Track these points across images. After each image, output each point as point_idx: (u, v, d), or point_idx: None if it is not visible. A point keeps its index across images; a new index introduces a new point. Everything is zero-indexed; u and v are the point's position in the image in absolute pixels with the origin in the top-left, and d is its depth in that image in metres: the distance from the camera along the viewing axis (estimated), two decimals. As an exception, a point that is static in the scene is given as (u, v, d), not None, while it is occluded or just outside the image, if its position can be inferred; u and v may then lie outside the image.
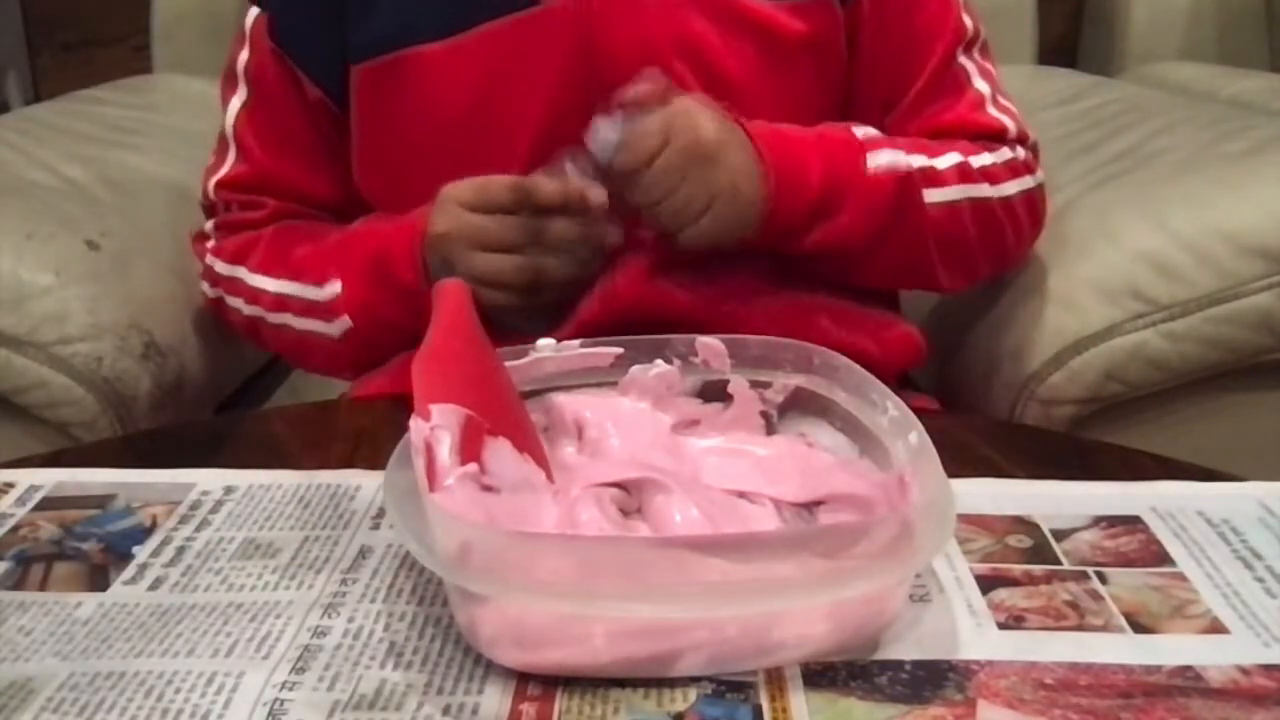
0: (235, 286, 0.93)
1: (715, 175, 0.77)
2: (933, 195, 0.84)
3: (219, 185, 0.96)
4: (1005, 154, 0.88)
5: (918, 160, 0.84)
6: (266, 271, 0.91)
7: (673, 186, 0.76)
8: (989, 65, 0.91)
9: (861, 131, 0.84)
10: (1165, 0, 1.63)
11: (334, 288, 0.87)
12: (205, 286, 0.98)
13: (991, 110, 0.89)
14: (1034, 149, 0.92)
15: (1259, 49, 1.67)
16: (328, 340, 0.89)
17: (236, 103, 0.94)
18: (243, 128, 0.94)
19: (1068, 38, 1.80)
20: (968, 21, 0.89)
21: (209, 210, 0.98)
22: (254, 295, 0.92)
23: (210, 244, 0.97)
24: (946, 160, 0.85)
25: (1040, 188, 0.91)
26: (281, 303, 0.90)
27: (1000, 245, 0.90)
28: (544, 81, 0.83)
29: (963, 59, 0.89)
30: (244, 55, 0.93)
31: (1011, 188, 0.88)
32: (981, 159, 0.86)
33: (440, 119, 0.85)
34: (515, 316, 0.80)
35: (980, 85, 0.89)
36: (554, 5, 0.82)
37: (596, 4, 0.82)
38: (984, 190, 0.86)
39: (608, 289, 0.83)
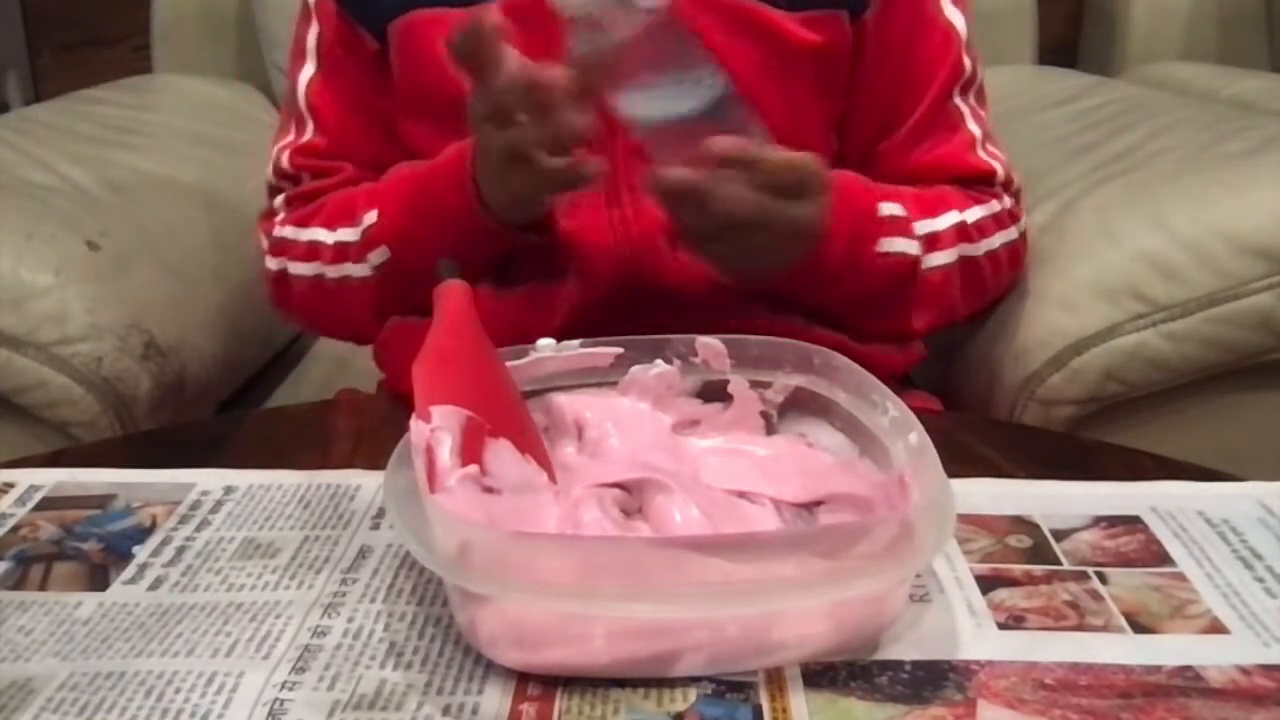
0: (298, 249, 0.90)
1: (814, 207, 0.75)
2: (931, 260, 0.85)
3: (295, 153, 0.92)
4: (994, 206, 0.89)
5: (923, 227, 0.84)
6: (328, 225, 0.89)
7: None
8: (982, 110, 0.91)
9: (886, 210, 0.83)
10: (1165, 0, 1.63)
11: (370, 218, 0.84)
12: (270, 263, 0.92)
13: (981, 153, 0.89)
14: (1018, 194, 0.92)
15: (1259, 49, 1.66)
16: (361, 284, 0.86)
17: (305, 75, 0.92)
18: (315, 97, 0.92)
19: (1068, 38, 1.80)
20: (967, 63, 0.89)
21: (277, 190, 0.94)
22: (314, 250, 0.89)
23: (279, 218, 0.93)
24: (946, 221, 0.86)
25: (1023, 236, 0.93)
26: (341, 251, 0.87)
27: (980, 293, 0.91)
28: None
29: (958, 100, 0.89)
30: (312, 31, 0.92)
31: (997, 240, 0.89)
32: (974, 213, 0.87)
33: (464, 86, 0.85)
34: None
35: (973, 127, 0.90)
36: None
37: None
38: (974, 248, 0.87)
39: (592, 269, 0.82)
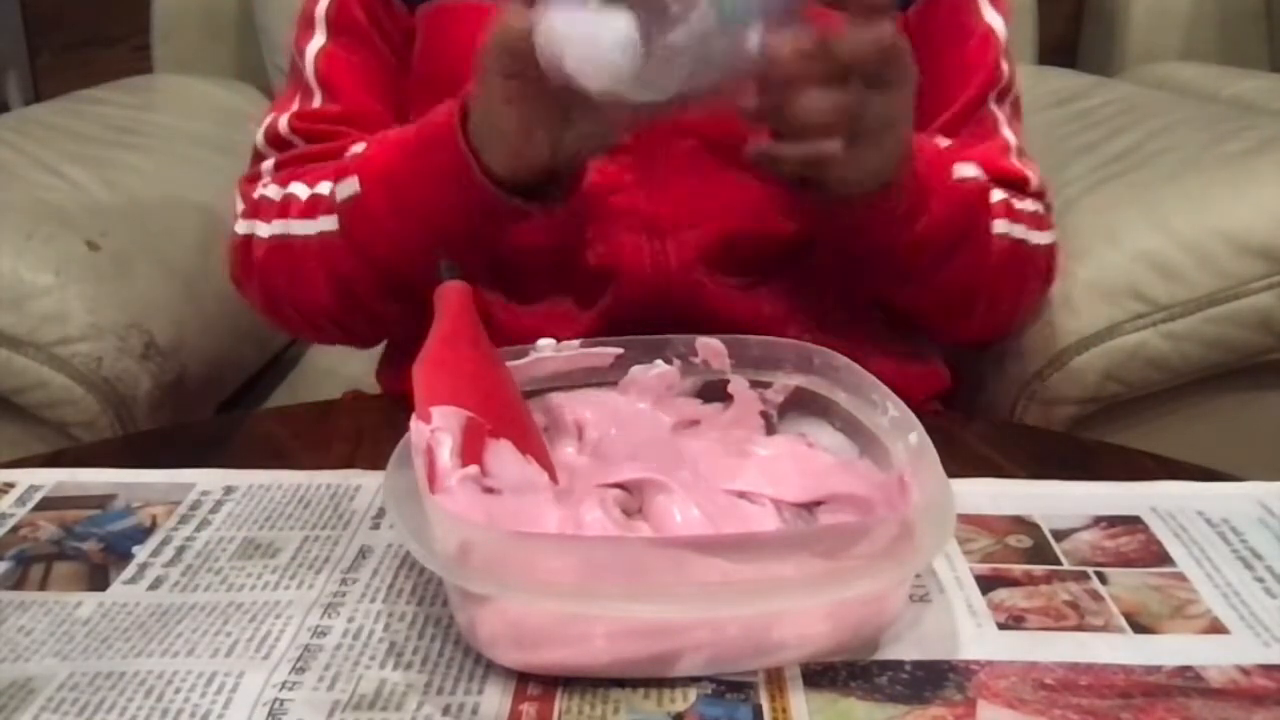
0: (269, 208, 0.82)
1: (904, 94, 0.66)
2: (993, 226, 0.81)
3: (297, 117, 0.85)
4: (1030, 204, 0.85)
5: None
6: (309, 181, 0.81)
7: (869, 69, 0.62)
8: (1017, 122, 0.88)
9: (945, 141, 0.81)
10: (1165, 0, 1.63)
11: (355, 149, 0.78)
12: (237, 227, 0.85)
13: (1015, 159, 0.86)
14: (1050, 208, 0.89)
15: (1259, 49, 1.66)
16: (322, 241, 0.78)
17: (315, 45, 0.87)
18: (327, 68, 0.86)
19: (1068, 38, 1.80)
20: (1005, 68, 0.86)
21: (263, 155, 0.87)
22: (284, 206, 0.81)
23: (264, 181, 0.85)
24: (994, 195, 0.82)
25: (1056, 246, 0.89)
26: (313, 204, 0.80)
27: (1027, 295, 0.88)
28: None
29: (994, 105, 0.86)
30: (323, 2, 0.87)
31: (1043, 238, 0.85)
32: (1024, 203, 0.84)
33: None
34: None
35: (1007, 133, 0.86)
36: None
37: None
38: (1022, 232, 0.83)
39: (633, 279, 0.80)
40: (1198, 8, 1.63)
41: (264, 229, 0.82)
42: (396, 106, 0.87)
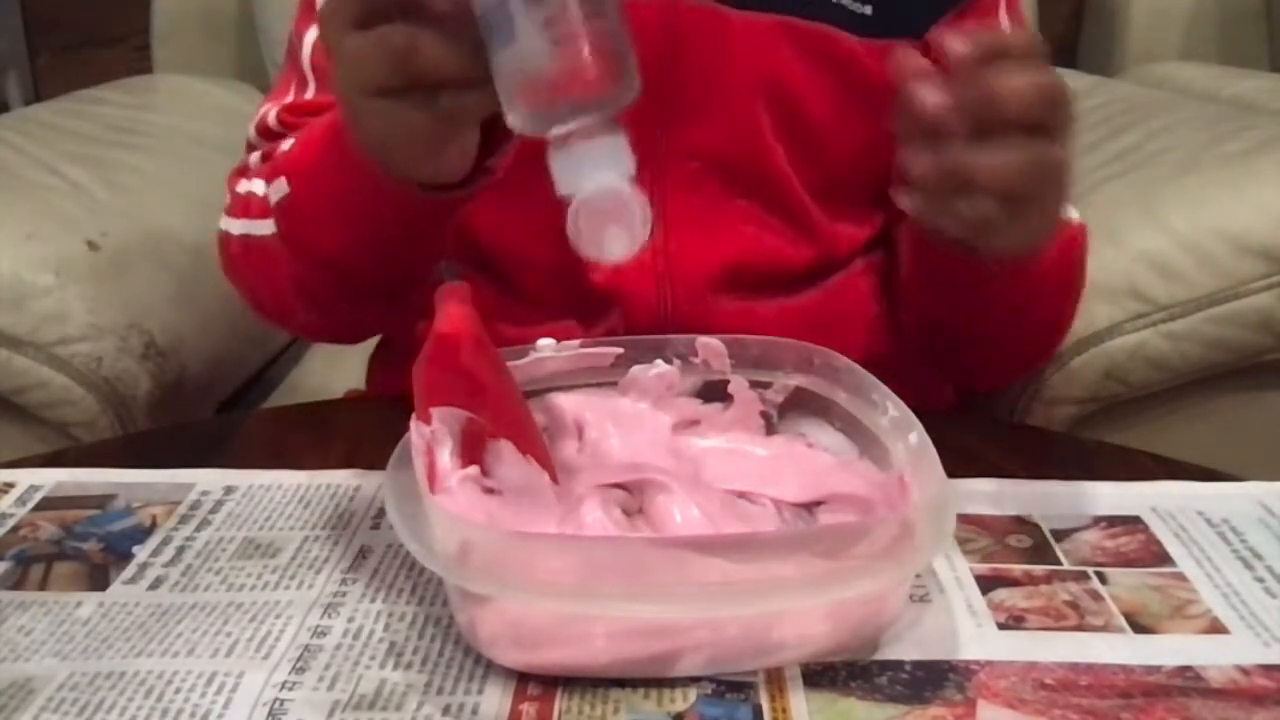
0: (238, 204, 0.80)
1: (1068, 144, 0.59)
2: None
3: (286, 110, 0.81)
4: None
5: None
6: (268, 177, 0.77)
7: (1034, 118, 0.56)
8: None
9: None
10: (1165, 0, 1.63)
11: (284, 145, 0.75)
12: (221, 222, 0.82)
13: None
14: None
15: (1259, 49, 1.66)
16: (266, 241, 0.75)
17: (315, 33, 0.82)
18: (321, 57, 0.81)
19: (1068, 38, 1.80)
20: None
21: (256, 147, 0.83)
22: (247, 204, 0.79)
23: (249, 174, 0.82)
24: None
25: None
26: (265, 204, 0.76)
27: (1069, 318, 0.84)
28: None
29: None
30: None
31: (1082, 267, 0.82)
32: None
33: None
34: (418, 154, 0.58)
35: None
36: (640, 2, 0.77)
37: (685, 11, 0.75)
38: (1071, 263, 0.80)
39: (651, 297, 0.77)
40: (1198, 8, 1.63)
41: (236, 226, 0.81)
42: None
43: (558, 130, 0.50)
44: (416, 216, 0.66)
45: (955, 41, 0.55)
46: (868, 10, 0.76)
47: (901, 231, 0.83)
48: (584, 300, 0.79)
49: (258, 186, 0.78)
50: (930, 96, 0.55)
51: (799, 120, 0.78)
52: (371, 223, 0.67)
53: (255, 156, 0.83)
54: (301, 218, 0.71)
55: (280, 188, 0.71)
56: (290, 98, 0.84)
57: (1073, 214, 0.76)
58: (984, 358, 0.84)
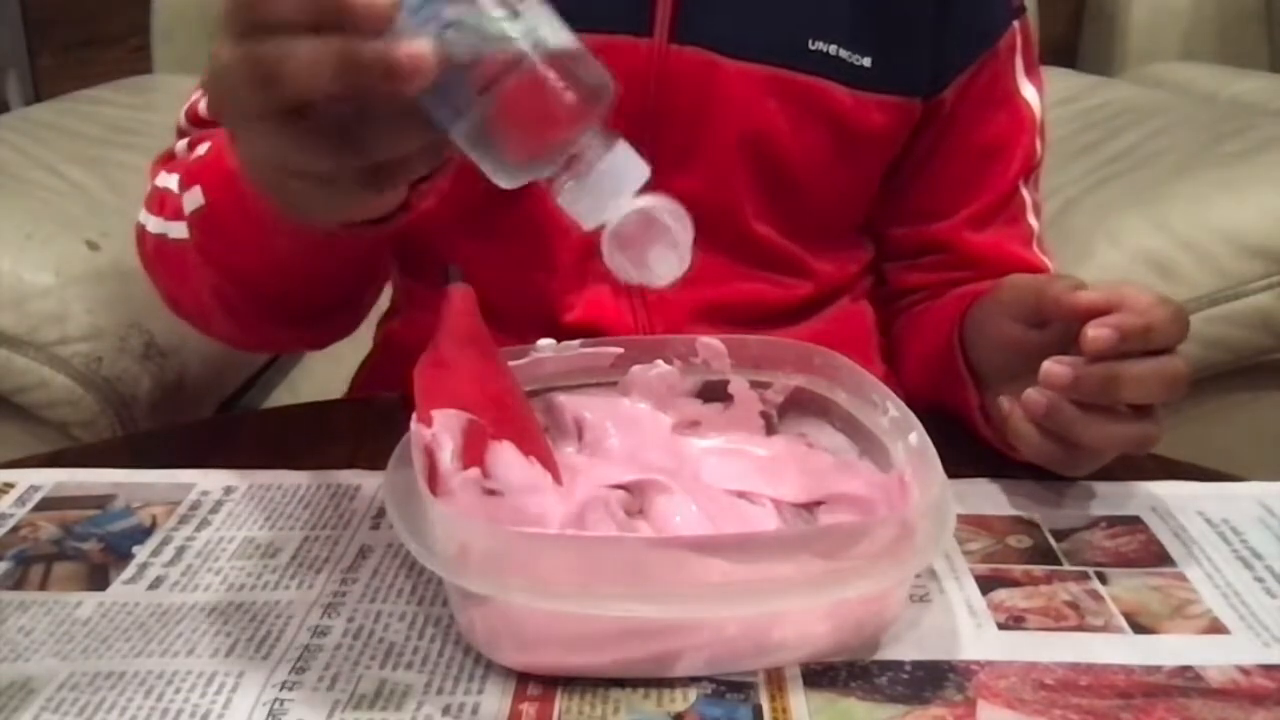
0: (166, 201, 0.73)
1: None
2: None
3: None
4: None
5: None
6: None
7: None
8: (1038, 200, 0.86)
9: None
10: (1165, 0, 1.64)
11: (200, 150, 0.70)
12: (140, 216, 0.75)
13: (1036, 250, 0.84)
14: None
15: (1259, 49, 1.67)
16: (182, 246, 0.69)
17: None
18: None
19: (1068, 38, 1.80)
20: (1038, 151, 0.84)
21: (183, 131, 0.78)
22: (161, 200, 0.73)
23: (171, 165, 0.76)
24: None
25: None
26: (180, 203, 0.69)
27: None
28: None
29: (1023, 190, 0.84)
30: None
31: None
32: None
33: None
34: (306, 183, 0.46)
35: (1031, 221, 0.84)
36: (631, 42, 0.73)
37: (675, 57, 0.73)
38: None
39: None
40: (1198, 8, 1.64)
41: (152, 224, 0.74)
42: None
43: (552, 170, 0.45)
44: (333, 248, 0.61)
45: (1098, 332, 0.56)
46: (866, 63, 0.75)
47: (904, 315, 0.83)
48: (560, 337, 0.78)
49: (174, 183, 0.71)
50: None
51: (780, 173, 0.77)
52: (290, 246, 0.61)
53: (182, 144, 0.77)
54: (217, 233, 0.66)
55: (195, 198, 0.66)
56: None
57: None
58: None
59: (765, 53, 0.74)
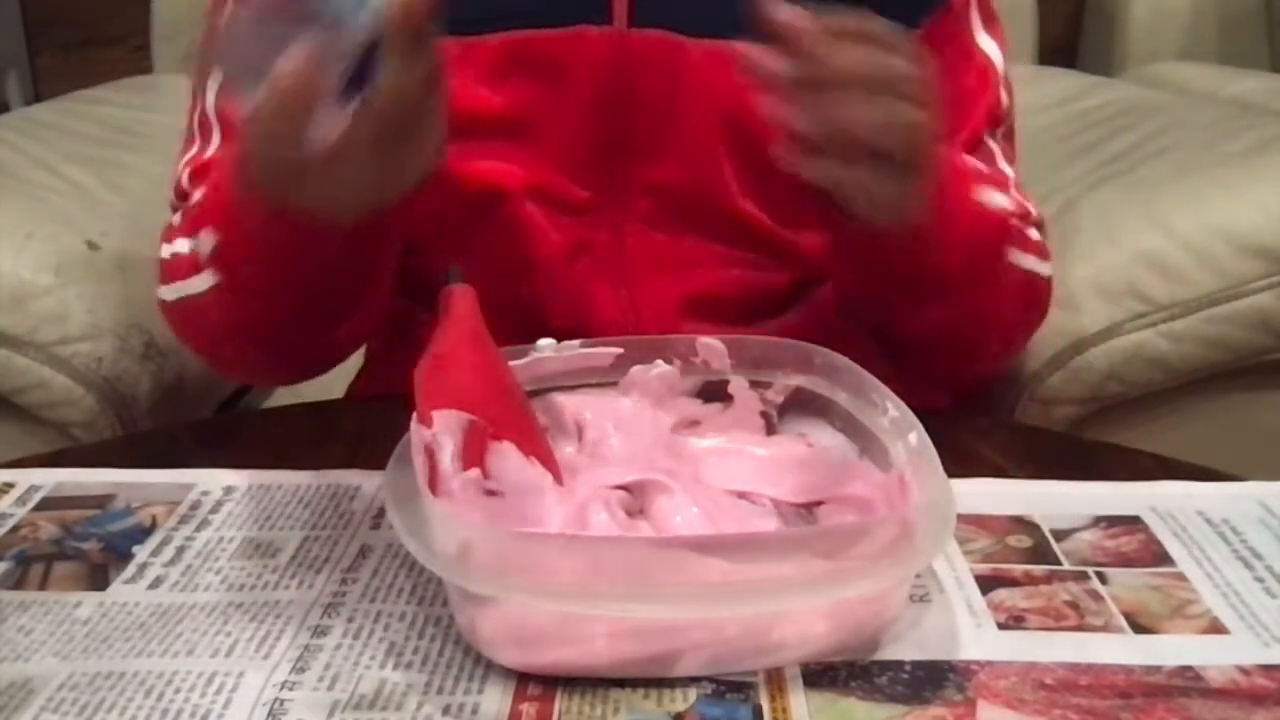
0: (178, 265, 0.77)
1: (930, 116, 0.63)
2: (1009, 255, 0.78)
3: (195, 171, 0.80)
4: (1035, 235, 0.82)
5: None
6: (190, 233, 0.75)
7: (880, 76, 0.60)
8: (1011, 152, 0.85)
9: (971, 161, 0.78)
10: (1165, 0, 1.64)
11: (196, 194, 0.73)
12: (160, 292, 0.80)
13: (1015, 193, 0.83)
14: (1046, 238, 0.85)
15: (1259, 49, 1.67)
16: (202, 299, 0.73)
17: (216, 81, 0.80)
18: (226, 106, 0.79)
19: (1068, 38, 1.80)
20: (1004, 101, 0.83)
21: (175, 207, 0.82)
22: (174, 267, 0.77)
23: (172, 240, 0.79)
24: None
25: (1052, 278, 0.85)
26: (195, 261, 0.74)
27: (1032, 326, 0.85)
28: (563, 104, 0.76)
29: (990, 140, 0.83)
30: None
31: (1046, 269, 0.82)
32: (1030, 232, 0.81)
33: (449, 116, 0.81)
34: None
35: (1005, 167, 0.83)
36: (589, 32, 0.75)
37: (636, 42, 0.74)
38: (1033, 263, 0.80)
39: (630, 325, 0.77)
40: (1198, 8, 1.63)
41: (169, 293, 0.78)
42: None
43: None
44: (358, 228, 0.64)
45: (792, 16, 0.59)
46: None
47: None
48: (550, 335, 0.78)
49: (181, 246, 0.76)
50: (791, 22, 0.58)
51: (761, 147, 0.74)
52: (315, 237, 0.64)
53: (177, 218, 0.81)
54: (241, 259, 0.69)
55: (208, 239, 0.70)
56: (196, 147, 0.81)
57: (999, 203, 0.76)
58: (925, 351, 0.83)
59: (727, 28, 0.72)
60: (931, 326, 0.79)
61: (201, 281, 0.73)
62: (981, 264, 0.76)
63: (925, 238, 0.70)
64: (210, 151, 0.81)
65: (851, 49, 0.59)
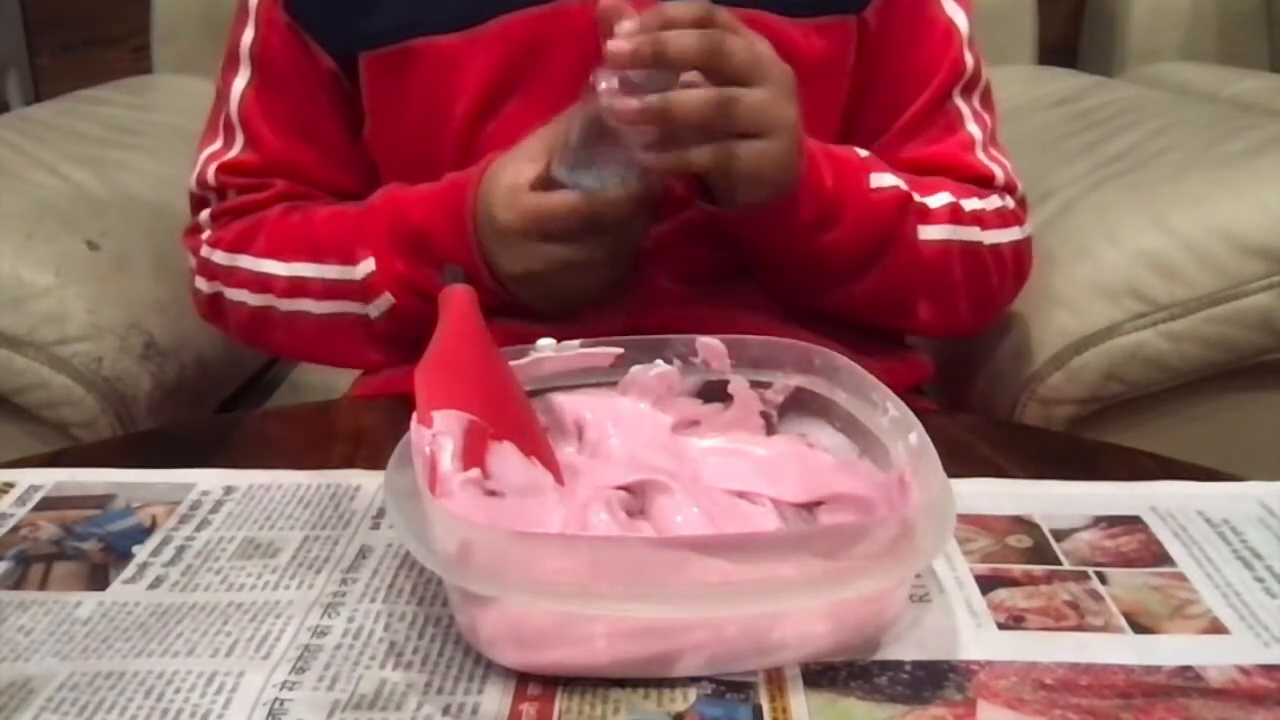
0: (237, 277, 0.86)
1: (790, 102, 0.71)
2: (924, 232, 0.81)
3: (223, 169, 0.88)
4: (995, 201, 0.85)
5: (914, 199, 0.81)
6: (277, 255, 0.84)
7: (746, 73, 0.68)
8: (986, 113, 0.87)
9: (864, 153, 0.81)
10: (1165, 0, 1.64)
11: (367, 265, 0.81)
12: (200, 283, 0.89)
13: (980, 155, 0.86)
14: (1022, 202, 0.88)
15: (1259, 49, 1.67)
16: (361, 320, 0.83)
17: (240, 83, 0.88)
18: (249, 111, 0.87)
19: (1068, 38, 1.80)
20: (968, 60, 0.86)
21: (202, 200, 0.90)
22: (263, 282, 0.85)
23: (206, 235, 0.89)
24: (938, 199, 0.82)
25: (1028, 240, 0.88)
26: (299, 286, 0.84)
27: (985, 292, 0.86)
28: (557, 81, 0.79)
29: (959, 100, 0.86)
30: (248, 34, 0.88)
31: (1001, 236, 0.84)
32: (972, 203, 0.83)
33: (452, 111, 0.82)
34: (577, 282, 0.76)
35: (972, 128, 0.86)
36: (571, 4, 0.79)
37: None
38: (974, 234, 0.83)
39: (627, 315, 0.79)
40: (1198, 8, 1.64)
41: (238, 295, 0.87)
42: (321, 147, 0.88)
43: None
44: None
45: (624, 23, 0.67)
46: None
47: None
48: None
49: (271, 267, 0.85)
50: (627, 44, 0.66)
51: None
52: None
53: (205, 215, 0.89)
54: (415, 319, 0.77)
55: (383, 303, 0.82)
56: (219, 146, 0.89)
57: (891, 181, 0.79)
58: (872, 322, 0.86)
59: None
60: (842, 302, 0.83)
61: (306, 304, 0.84)
62: (879, 247, 0.80)
63: (816, 226, 0.76)
64: (234, 152, 0.88)
65: (681, 35, 0.66)
